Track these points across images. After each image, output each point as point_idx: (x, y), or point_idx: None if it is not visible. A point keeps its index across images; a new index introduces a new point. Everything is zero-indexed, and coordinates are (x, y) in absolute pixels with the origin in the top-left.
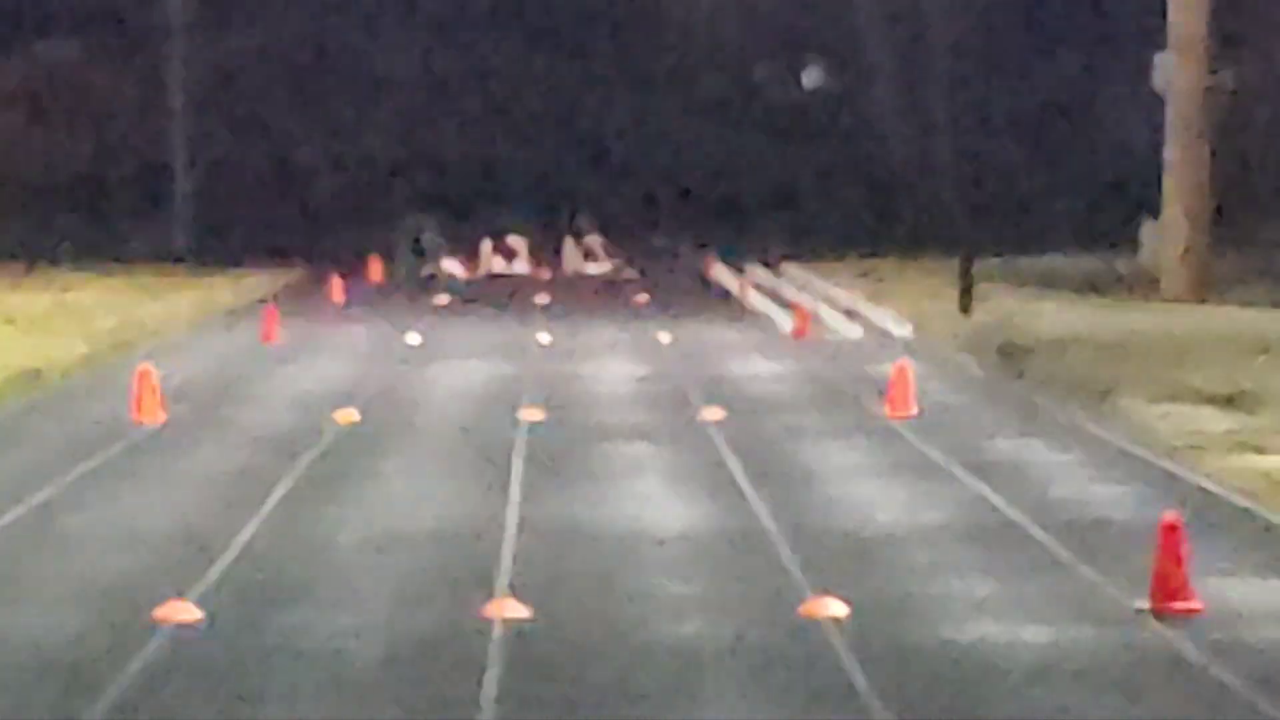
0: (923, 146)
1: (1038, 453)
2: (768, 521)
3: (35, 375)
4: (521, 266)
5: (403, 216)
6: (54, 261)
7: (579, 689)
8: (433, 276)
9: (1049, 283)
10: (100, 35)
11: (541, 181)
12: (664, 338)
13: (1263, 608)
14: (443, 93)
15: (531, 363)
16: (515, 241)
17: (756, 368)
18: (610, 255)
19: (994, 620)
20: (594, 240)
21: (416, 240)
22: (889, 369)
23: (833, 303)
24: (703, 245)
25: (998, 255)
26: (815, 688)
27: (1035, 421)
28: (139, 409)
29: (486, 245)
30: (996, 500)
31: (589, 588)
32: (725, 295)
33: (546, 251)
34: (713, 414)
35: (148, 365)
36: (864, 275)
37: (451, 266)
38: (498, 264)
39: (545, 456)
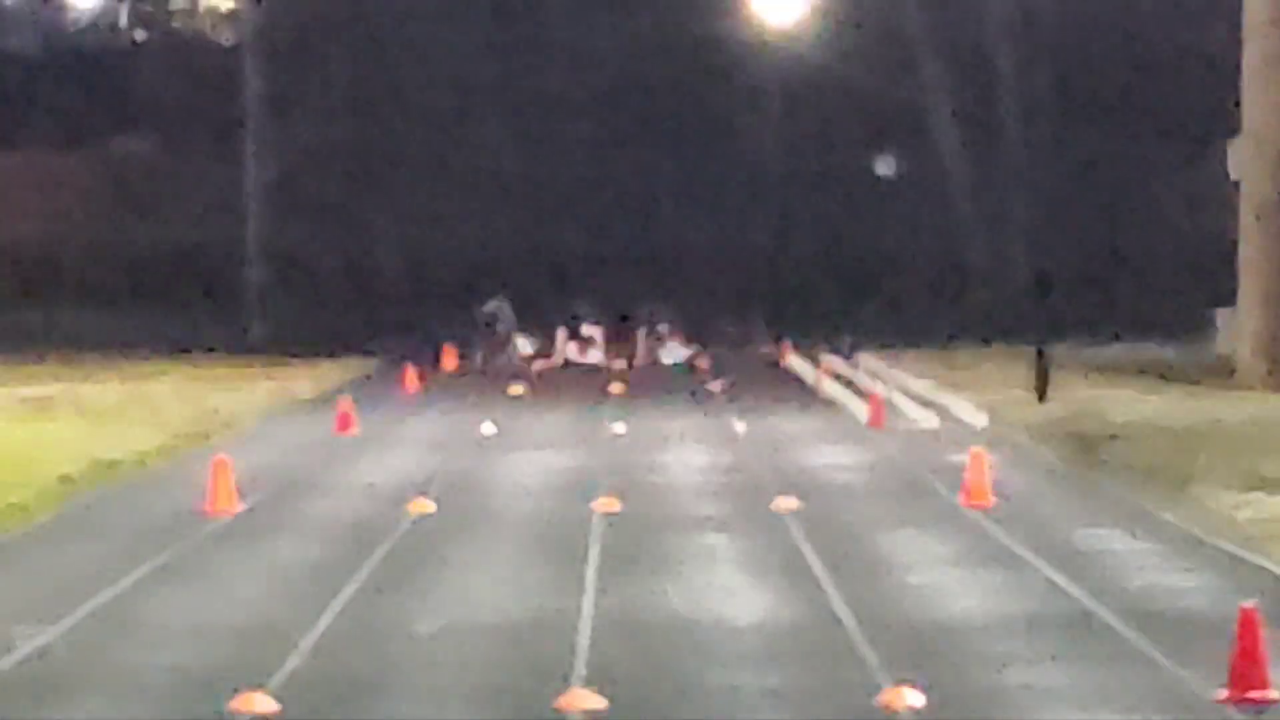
0: (994, 235)
1: (1115, 542)
2: (844, 612)
3: (110, 466)
4: (597, 356)
5: (481, 301)
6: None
7: None
8: (507, 360)
9: (1123, 370)
10: (175, 129)
11: (615, 272)
12: (739, 427)
13: None
14: (518, 184)
15: (606, 453)
16: (591, 330)
17: (832, 457)
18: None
19: (1072, 710)
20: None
21: (489, 325)
22: (965, 458)
23: (908, 391)
24: (777, 335)
25: (1071, 343)
26: None
27: (1112, 511)
28: (214, 500)
29: (562, 334)
30: (1073, 590)
31: (665, 679)
32: (800, 384)
33: (621, 341)
34: (788, 504)
35: (222, 456)
36: (939, 365)
37: (526, 350)
38: (573, 352)
39: (621, 547)
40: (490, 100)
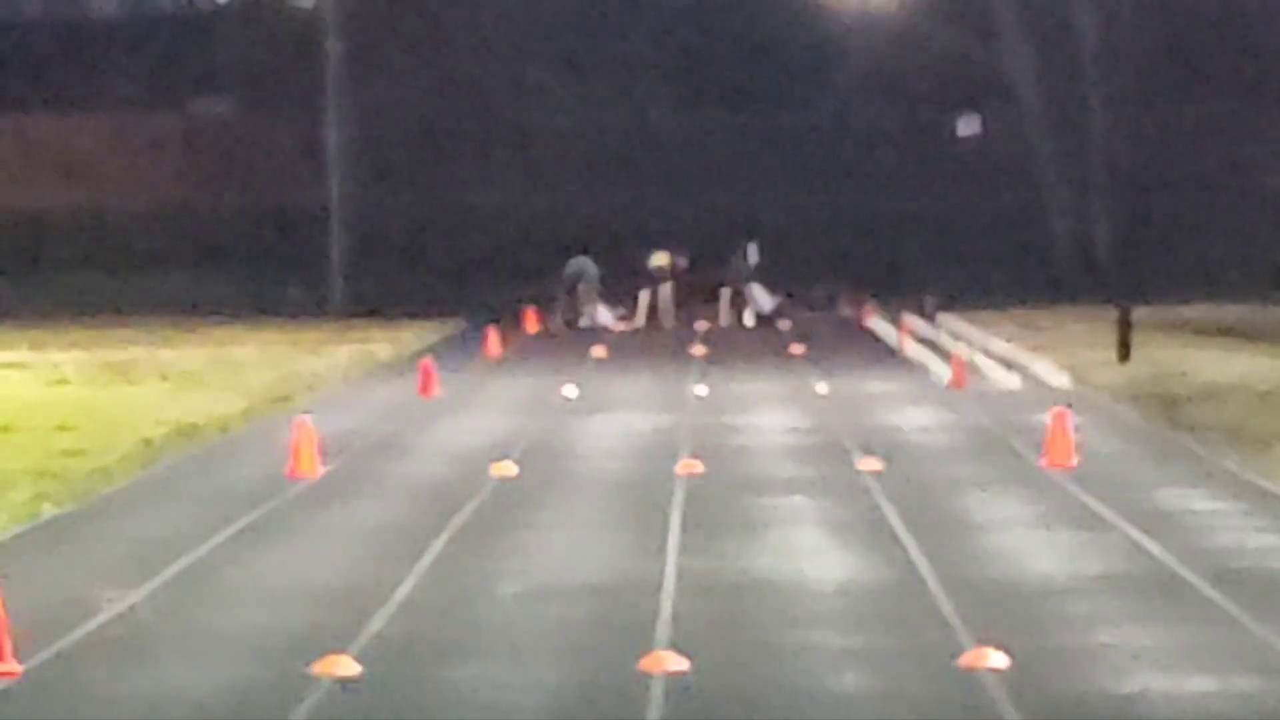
0: (1078, 194)
1: (1199, 502)
2: (926, 573)
3: (193, 430)
4: (670, 319)
5: (564, 262)
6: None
7: None
8: (588, 326)
9: (1207, 331)
10: (255, 90)
11: (696, 233)
12: (821, 389)
13: None
14: (599, 147)
15: (688, 415)
16: (671, 259)
17: (914, 418)
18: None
19: (1156, 671)
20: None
21: (572, 286)
22: (1047, 419)
23: (990, 353)
24: (859, 296)
25: (1155, 303)
26: None
27: (1195, 471)
28: (297, 463)
29: (644, 296)
30: (1157, 550)
31: (748, 640)
32: (882, 345)
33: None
34: (870, 465)
35: (305, 419)
36: (1021, 326)
37: (605, 317)
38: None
39: (703, 509)
40: (570, 62)
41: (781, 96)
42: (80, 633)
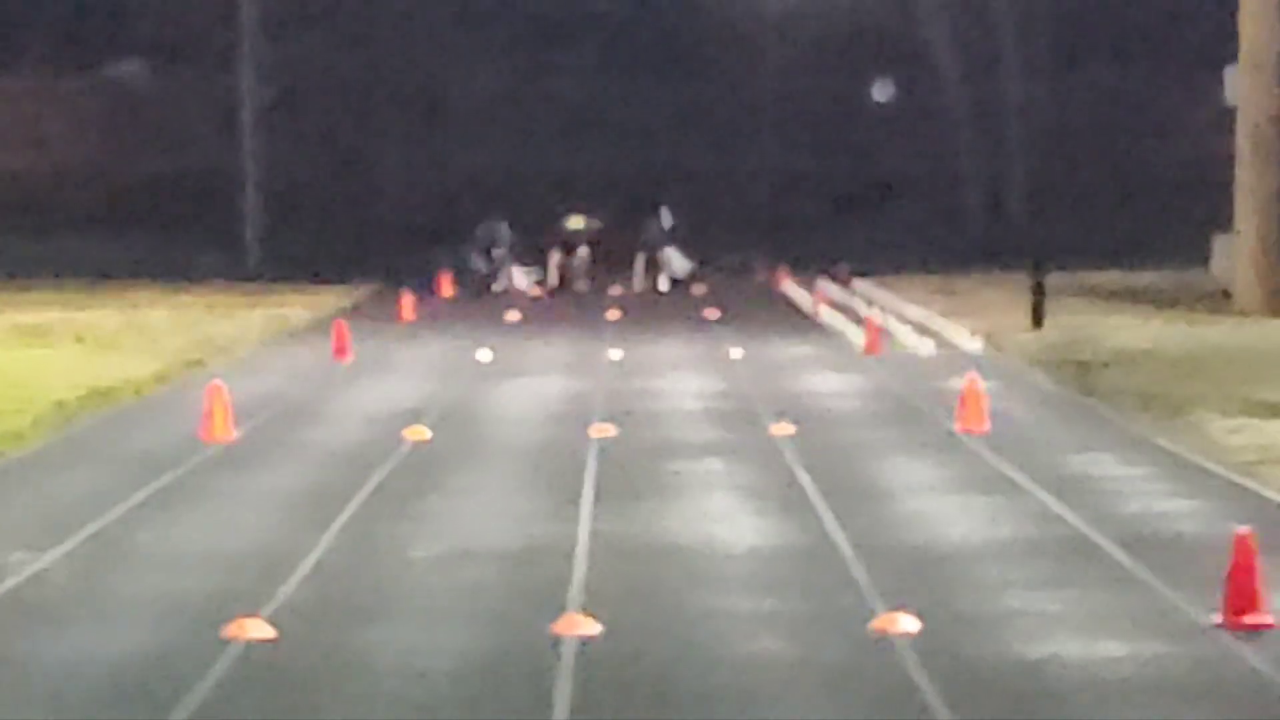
0: (992, 160)
1: (1110, 468)
2: (839, 537)
3: (106, 393)
4: (584, 285)
5: (477, 224)
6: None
7: (650, 706)
8: (503, 291)
9: (1119, 297)
10: (169, 54)
11: (612, 198)
12: (735, 353)
13: None
14: (515, 112)
15: (603, 379)
16: (584, 222)
17: (828, 383)
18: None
19: (1066, 636)
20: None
21: (487, 249)
22: (960, 384)
23: (904, 318)
24: (774, 262)
25: (1067, 269)
26: (887, 704)
27: (1107, 436)
28: (210, 427)
29: (554, 258)
30: (1068, 515)
31: (660, 604)
32: (797, 311)
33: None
34: (784, 430)
35: (218, 383)
36: (935, 291)
37: (520, 280)
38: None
39: (616, 473)
40: (488, 27)
41: (698, 62)
42: None
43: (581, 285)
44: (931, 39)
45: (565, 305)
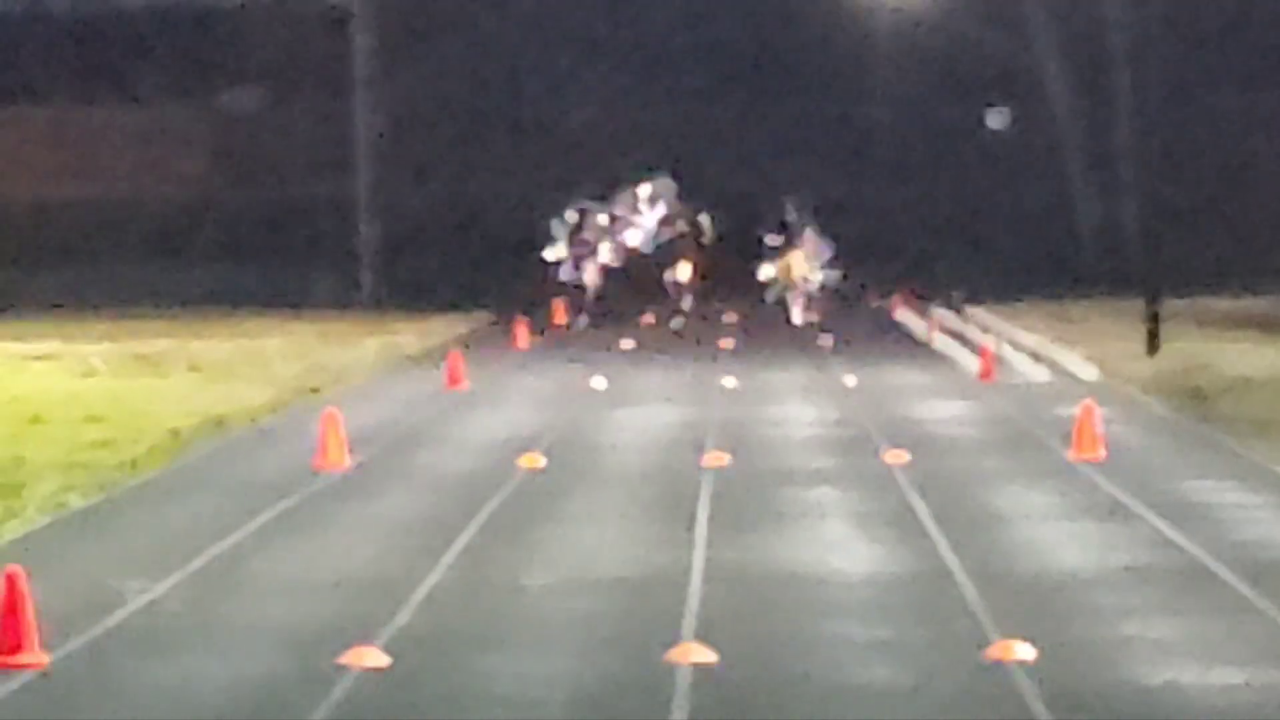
0: (1107, 186)
1: (1226, 495)
2: (953, 565)
3: (221, 422)
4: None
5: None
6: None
7: None
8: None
9: (1237, 323)
10: (284, 84)
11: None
12: (849, 381)
13: None
14: (626, 138)
15: (716, 407)
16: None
17: (942, 410)
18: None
19: (1183, 664)
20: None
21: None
22: (1075, 411)
23: (1018, 345)
24: (888, 289)
25: (1184, 295)
26: None
27: (1223, 464)
28: (324, 455)
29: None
30: (1184, 542)
31: (775, 632)
32: (911, 338)
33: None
34: (898, 457)
35: (333, 411)
36: (1050, 318)
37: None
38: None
39: (730, 501)
40: (597, 55)
41: (810, 89)
42: (107, 624)
43: (686, 304)
44: (1046, 65)
45: (679, 333)
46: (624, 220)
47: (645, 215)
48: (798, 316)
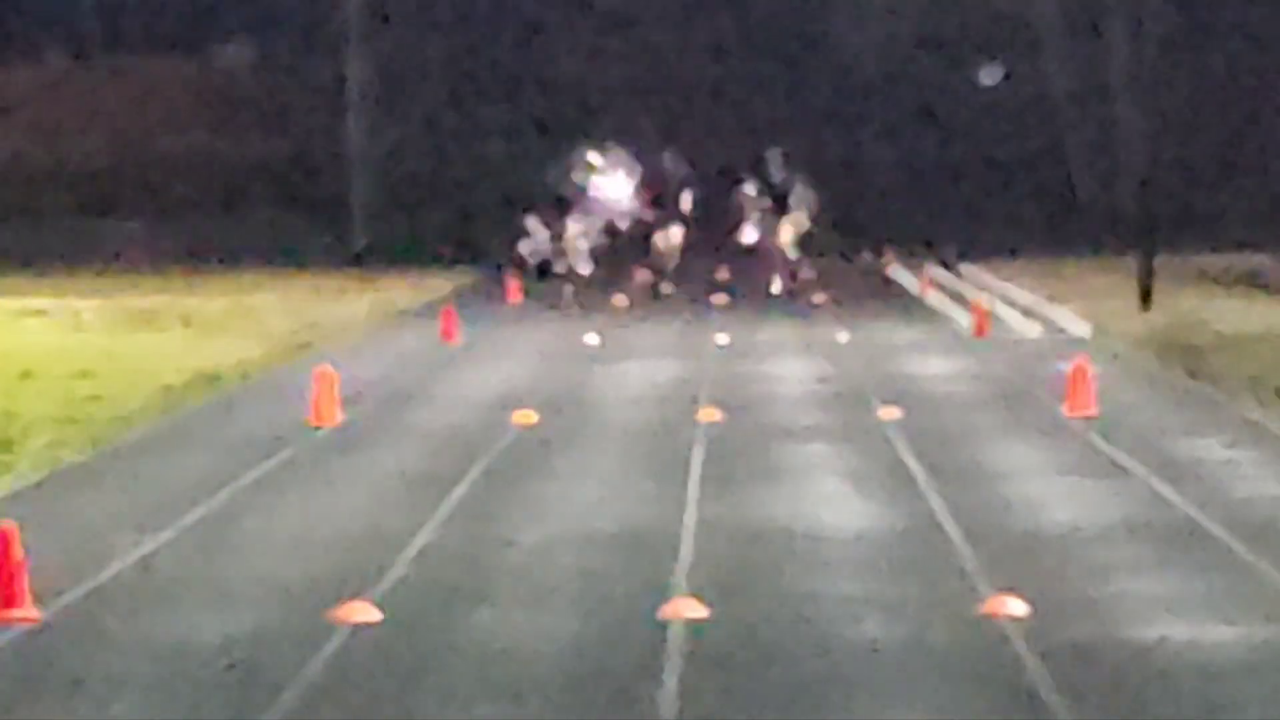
0: (1102, 143)
1: (1218, 452)
2: (946, 521)
3: (214, 378)
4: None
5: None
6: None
7: (757, 688)
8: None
9: (1230, 281)
10: (276, 39)
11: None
12: (842, 337)
13: None
14: (619, 92)
15: (709, 363)
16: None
17: (935, 367)
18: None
19: (1174, 619)
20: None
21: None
22: (1068, 368)
23: (1011, 302)
24: (881, 245)
25: (1178, 253)
26: (994, 686)
27: (1214, 420)
28: (317, 411)
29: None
30: (1176, 499)
31: (767, 587)
32: (904, 294)
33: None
34: (890, 413)
35: (326, 367)
36: (1043, 275)
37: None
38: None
39: (723, 457)
40: (585, 12)
41: (805, 46)
42: (101, 578)
43: (671, 263)
44: (1040, 20)
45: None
46: (596, 202)
47: (612, 188)
48: (778, 286)
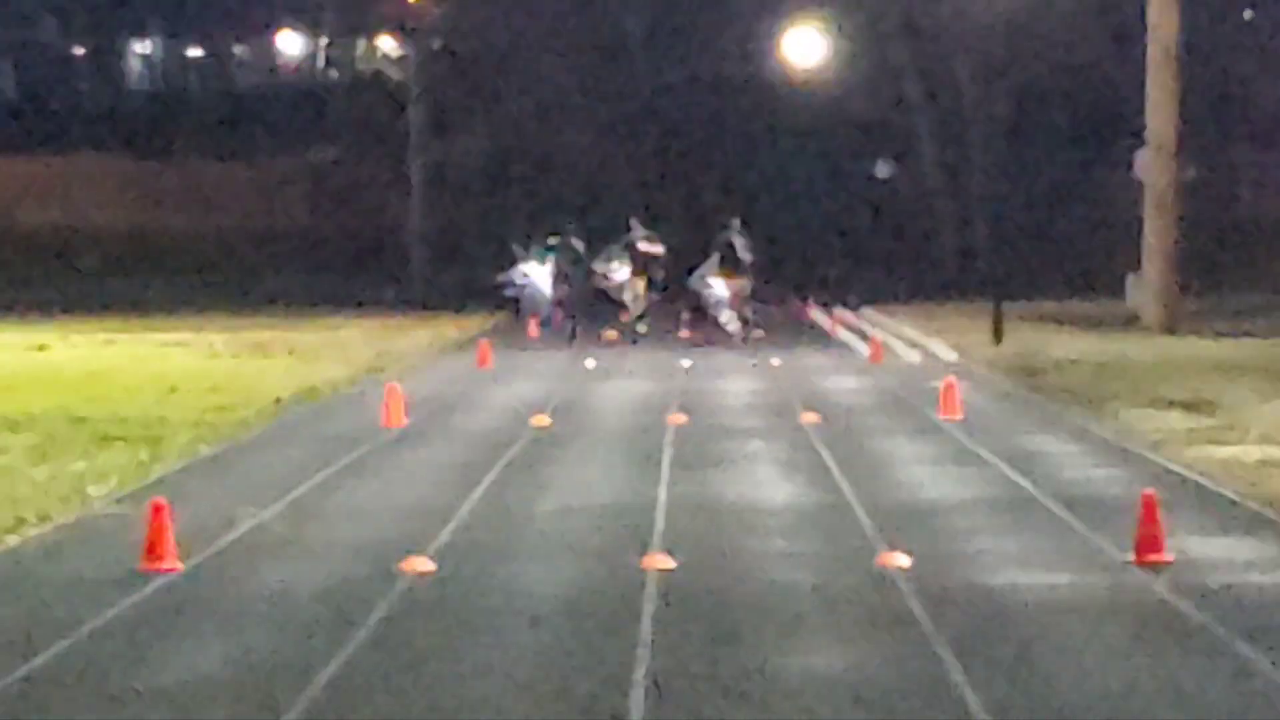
0: (964, 219)
1: (1052, 445)
2: (851, 497)
3: (311, 391)
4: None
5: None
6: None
7: (714, 621)
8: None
9: (1059, 321)
10: (357, 141)
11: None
12: (775, 362)
13: (1217, 559)
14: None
15: (677, 381)
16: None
17: (843, 384)
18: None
19: (1020, 569)
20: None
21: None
22: (941, 384)
23: (899, 336)
24: (803, 295)
25: (1020, 300)
26: (886, 617)
27: (1050, 423)
28: (388, 416)
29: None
30: (1021, 480)
31: (720, 546)
32: (820, 331)
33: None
34: (810, 418)
35: (394, 384)
36: (922, 316)
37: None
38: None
39: (687, 450)
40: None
41: (741, 151)
42: (227, 540)
43: (637, 309)
44: (918, 128)
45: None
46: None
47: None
48: (732, 325)
